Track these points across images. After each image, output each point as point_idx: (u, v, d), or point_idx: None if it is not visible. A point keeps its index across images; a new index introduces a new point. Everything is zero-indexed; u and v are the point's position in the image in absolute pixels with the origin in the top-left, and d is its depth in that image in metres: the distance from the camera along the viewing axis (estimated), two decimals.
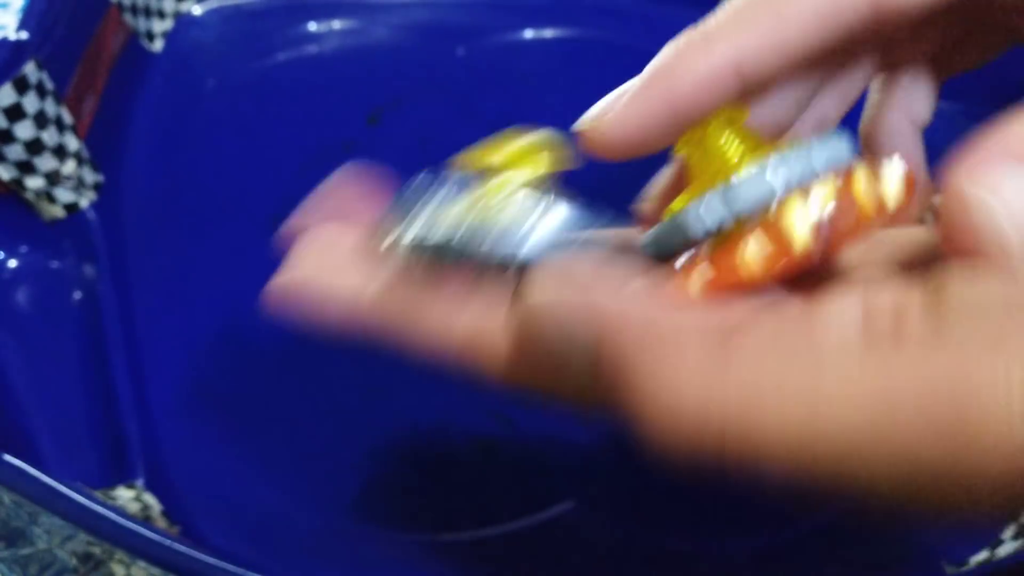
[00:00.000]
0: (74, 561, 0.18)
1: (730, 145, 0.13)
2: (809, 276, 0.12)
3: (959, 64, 0.16)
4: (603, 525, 0.21)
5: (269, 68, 0.29)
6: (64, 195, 0.24)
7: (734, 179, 0.11)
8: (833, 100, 0.16)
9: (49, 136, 0.23)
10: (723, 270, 0.11)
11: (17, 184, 0.23)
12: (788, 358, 0.10)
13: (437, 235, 0.13)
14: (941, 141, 0.30)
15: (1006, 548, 0.21)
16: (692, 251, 0.12)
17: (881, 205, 0.11)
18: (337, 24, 0.31)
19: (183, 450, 0.21)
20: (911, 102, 0.16)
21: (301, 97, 0.29)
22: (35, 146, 0.23)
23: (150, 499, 0.20)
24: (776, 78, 0.13)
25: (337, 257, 0.14)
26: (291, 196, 0.27)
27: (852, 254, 0.13)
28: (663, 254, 0.12)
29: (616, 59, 0.32)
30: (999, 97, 0.27)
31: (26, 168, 0.23)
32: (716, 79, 0.13)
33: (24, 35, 0.22)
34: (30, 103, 0.22)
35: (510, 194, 0.13)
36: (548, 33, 0.32)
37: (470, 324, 0.12)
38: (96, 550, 0.18)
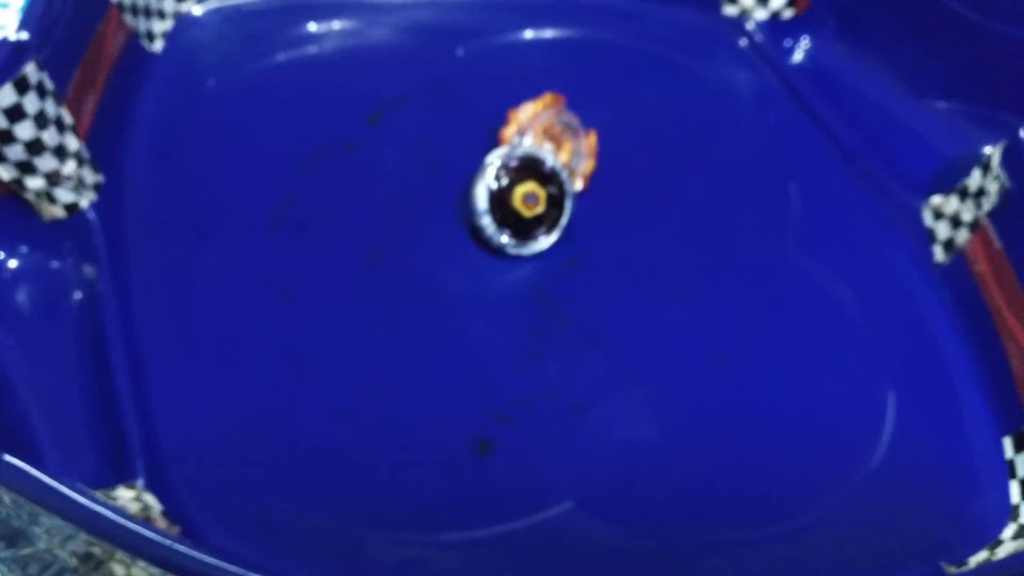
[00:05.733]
0: (74, 561, 0.18)
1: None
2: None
3: None
4: (603, 525, 0.21)
5: (269, 68, 0.29)
6: (64, 195, 0.24)
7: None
8: None
9: (49, 136, 0.23)
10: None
11: (17, 184, 0.23)
12: None
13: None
14: (942, 140, 0.31)
15: (1006, 548, 0.21)
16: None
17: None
18: (337, 24, 0.31)
19: (183, 450, 0.21)
20: None
21: (302, 97, 0.29)
22: (35, 146, 0.23)
23: (150, 499, 0.20)
24: None
25: None
26: (292, 196, 0.27)
27: None
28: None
29: (615, 59, 0.32)
30: (996, 98, 0.27)
31: (26, 168, 0.23)
32: None
33: (24, 35, 0.22)
34: (30, 103, 0.22)
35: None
36: (548, 33, 0.32)
37: None
38: (96, 550, 0.18)
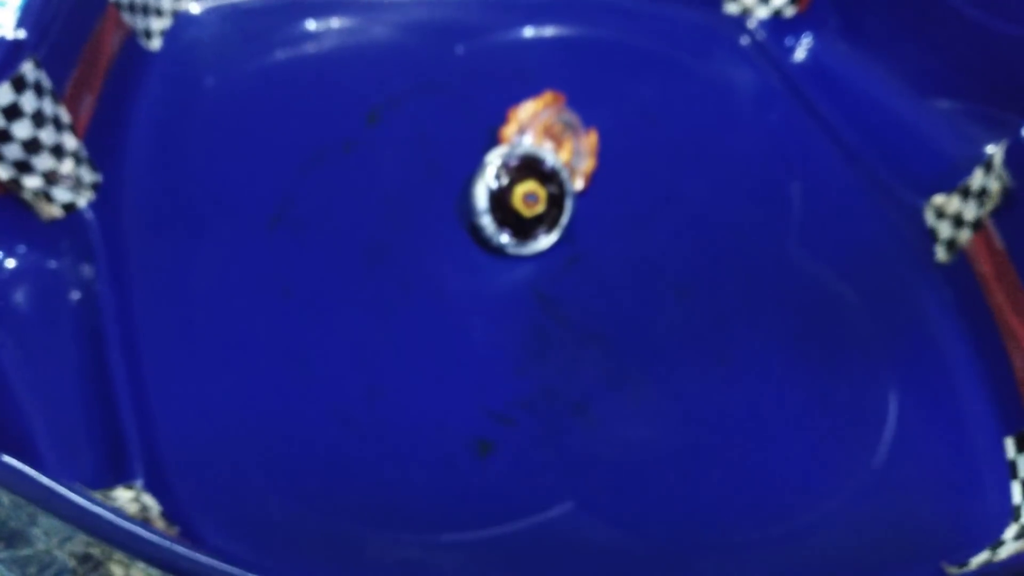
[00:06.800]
0: (73, 562, 0.18)
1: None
2: None
3: None
4: (602, 525, 0.21)
5: (268, 67, 0.29)
6: (62, 194, 0.24)
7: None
8: None
9: (47, 135, 0.23)
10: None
11: (15, 183, 0.23)
12: None
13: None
14: (944, 139, 0.30)
15: (1007, 549, 0.21)
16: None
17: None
18: (336, 23, 0.31)
19: (182, 451, 0.21)
20: None
21: (300, 96, 0.29)
22: (33, 145, 0.23)
23: (149, 500, 0.20)
24: None
25: None
26: (291, 195, 0.27)
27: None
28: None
29: (616, 58, 0.32)
30: (999, 97, 0.27)
31: (24, 167, 0.23)
32: None
33: (22, 34, 0.22)
34: (28, 102, 0.22)
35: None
36: (548, 32, 0.32)
37: None
38: (95, 551, 0.18)
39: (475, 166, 0.26)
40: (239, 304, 0.24)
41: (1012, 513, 0.22)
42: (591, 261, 0.26)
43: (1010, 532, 0.21)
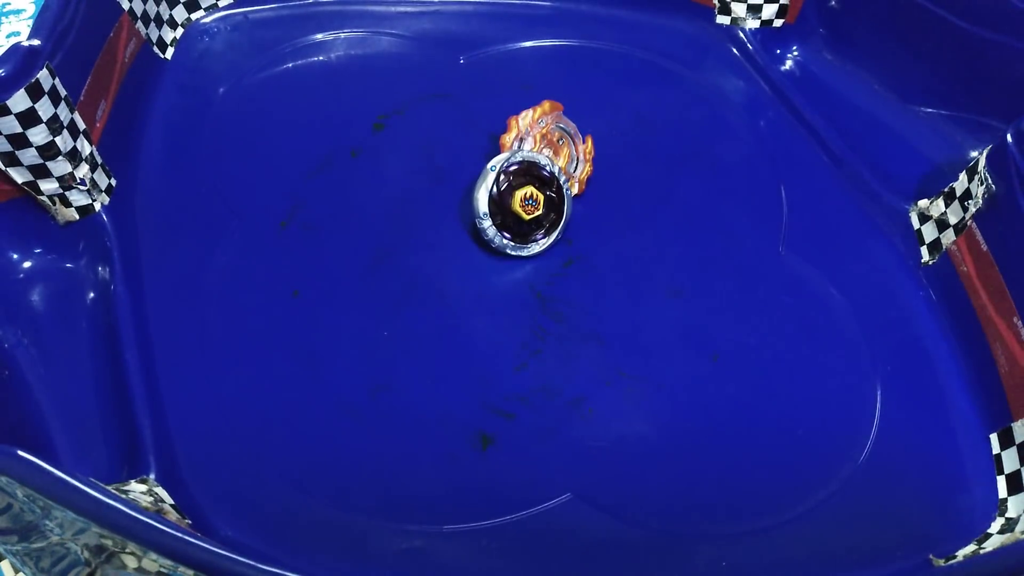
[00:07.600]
0: (86, 553, 0.19)
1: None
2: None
3: None
4: (600, 516, 0.22)
5: (278, 76, 0.30)
6: (78, 198, 0.25)
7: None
8: None
9: (63, 141, 0.23)
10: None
11: (32, 187, 0.24)
12: None
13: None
14: (928, 145, 0.31)
15: (993, 542, 0.21)
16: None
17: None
18: (343, 34, 0.31)
19: (194, 445, 0.22)
20: None
21: (309, 104, 0.29)
22: (49, 150, 0.23)
23: (161, 492, 0.21)
24: None
25: None
26: (300, 199, 0.27)
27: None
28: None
29: (612, 67, 0.33)
30: (982, 103, 0.28)
31: (40, 172, 0.24)
32: None
33: (36, 42, 0.23)
34: (43, 108, 0.23)
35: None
36: (545, 43, 0.33)
37: None
38: (108, 542, 0.18)
39: (476, 171, 0.27)
40: (249, 303, 0.25)
41: (998, 507, 0.22)
42: (587, 262, 0.27)
43: (996, 526, 0.22)
